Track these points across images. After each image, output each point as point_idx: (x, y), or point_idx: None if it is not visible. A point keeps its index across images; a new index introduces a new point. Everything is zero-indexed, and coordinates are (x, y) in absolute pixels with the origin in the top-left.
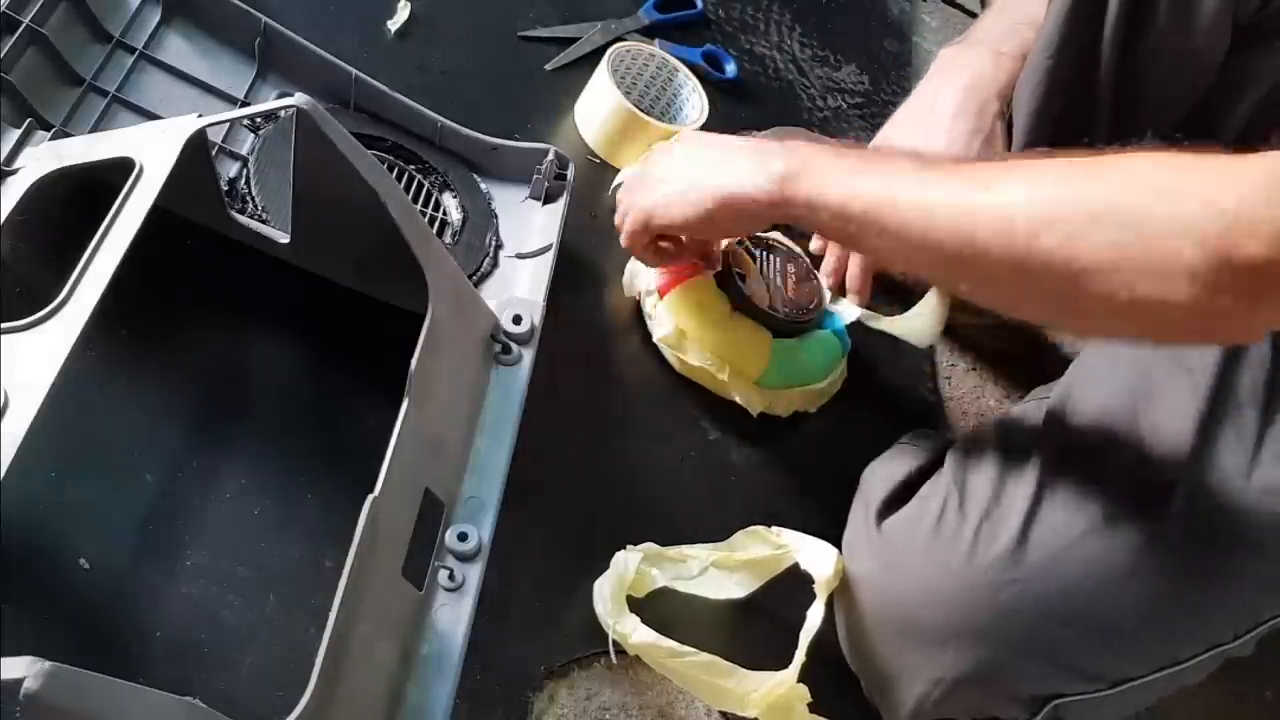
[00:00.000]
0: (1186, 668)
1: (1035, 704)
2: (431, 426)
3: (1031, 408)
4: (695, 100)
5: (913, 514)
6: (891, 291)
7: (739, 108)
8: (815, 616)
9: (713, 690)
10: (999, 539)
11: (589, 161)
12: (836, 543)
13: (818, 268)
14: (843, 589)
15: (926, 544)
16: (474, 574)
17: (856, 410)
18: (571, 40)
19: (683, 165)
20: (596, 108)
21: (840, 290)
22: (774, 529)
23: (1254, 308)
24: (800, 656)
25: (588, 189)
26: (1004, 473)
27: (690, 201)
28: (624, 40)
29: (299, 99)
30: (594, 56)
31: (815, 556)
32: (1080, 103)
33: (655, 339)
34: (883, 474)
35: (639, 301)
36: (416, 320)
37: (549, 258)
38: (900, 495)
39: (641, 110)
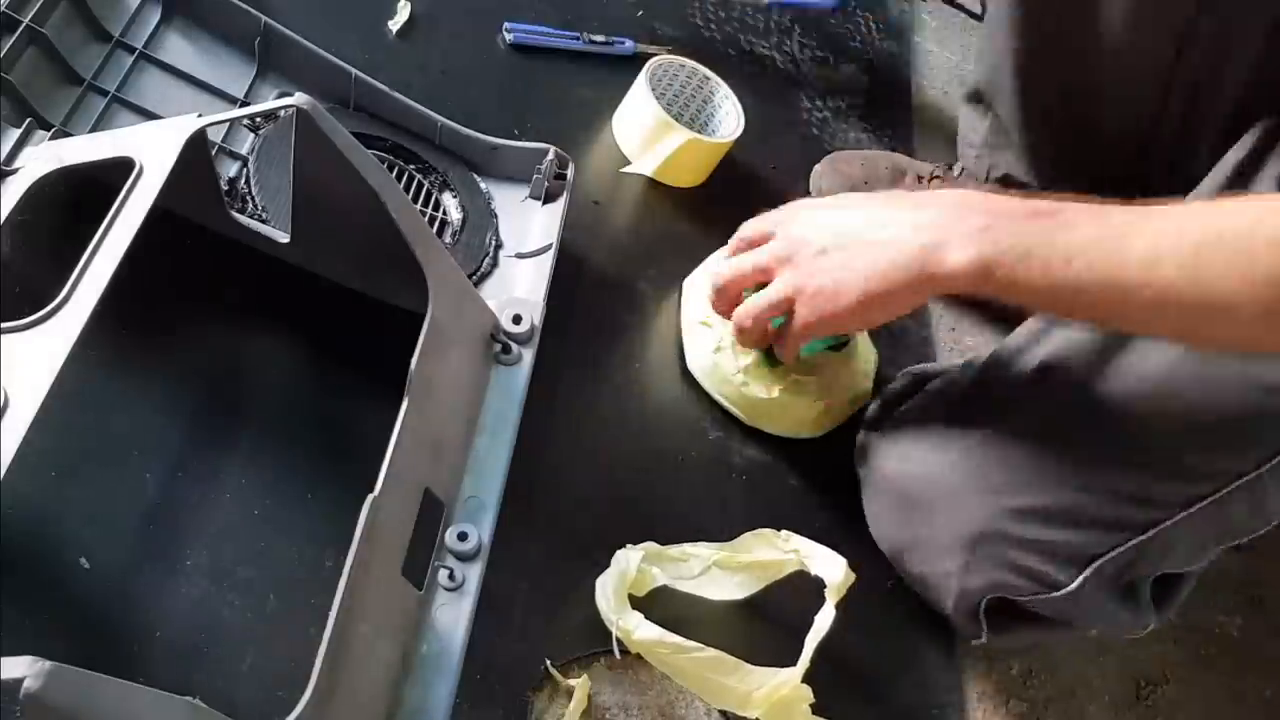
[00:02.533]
0: (1214, 501)
1: (1076, 563)
2: (431, 426)
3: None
4: (730, 110)
5: (918, 400)
6: None
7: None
8: (824, 620)
9: (715, 688)
10: (997, 408)
11: (619, 173)
12: (838, 545)
13: None
14: (870, 477)
15: (930, 414)
16: (474, 574)
17: (858, 411)
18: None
19: (848, 254)
20: (634, 117)
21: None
22: (782, 533)
23: None
24: (806, 658)
25: (611, 193)
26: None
27: (862, 303)
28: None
29: (299, 99)
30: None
31: (825, 564)
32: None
33: (705, 364)
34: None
35: (682, 323)
36: (416, 320)
37: (549, 257)
38: (908, 397)
39: (680, 122)
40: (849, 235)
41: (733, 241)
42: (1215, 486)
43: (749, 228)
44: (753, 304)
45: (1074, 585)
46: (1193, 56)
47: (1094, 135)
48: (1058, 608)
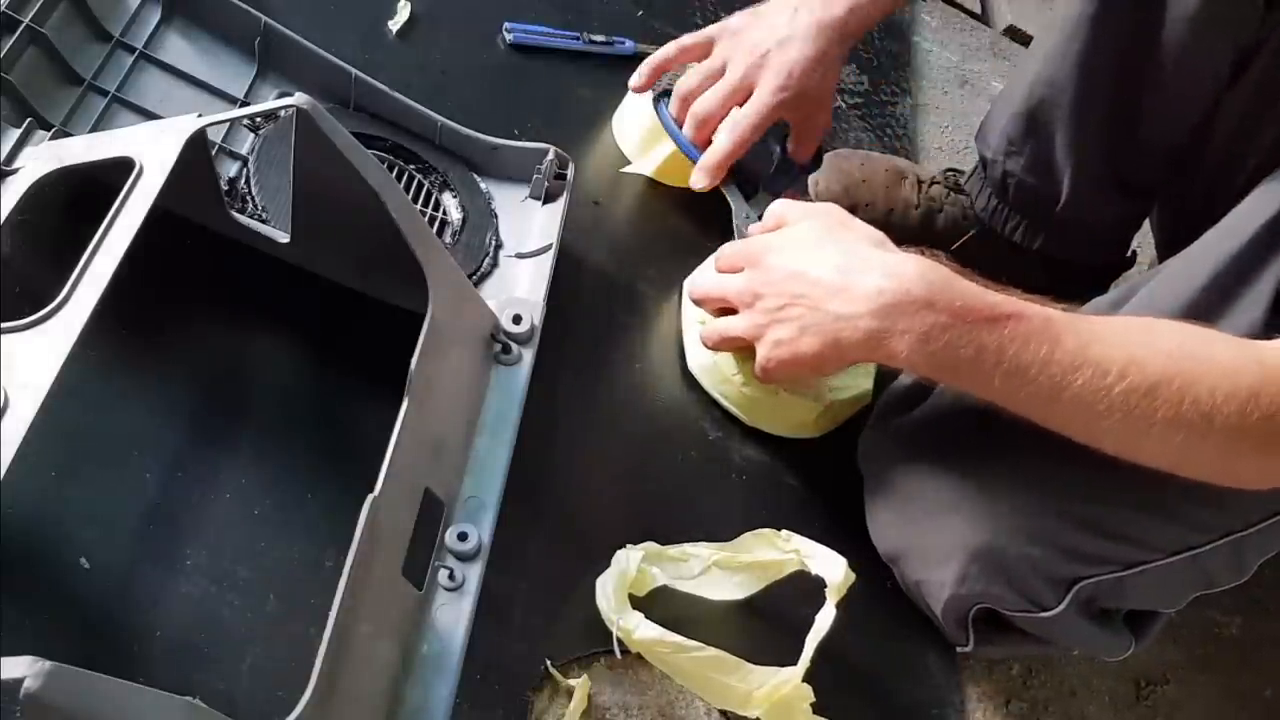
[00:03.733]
0: (1201, 552)
1: (1061, 585)
2: (431, 426)
3: None
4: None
5: (926, 407)
6: None
7: None
8: (824, 620)
9: (716, 688)
10: (1005, 429)
11: (619, 172)
12: (838, 545)
13: None
14: (874, 481)
15: (939, 425)
16: (474, 574)
17: (858, 413)
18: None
19: (821, 310)
20: (634, 118)
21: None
22: (783, 533)
23: None
24: (807, 657)
25: (611, 193)
26: None
27: (825, 357)
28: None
29: (299, 99)
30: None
31: (825, 564)
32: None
33: (705, 364)
34: (897, 383)
35: (682, 323)
36: (416, 320)
37: (549, 257)
38: (913, 399)
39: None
40: (809, 296)
41: (715, 259)
42: (1205, 539)
43: (724, 254)
44: (716, 332)
45: (1060, 608)
46: (1248, 80)
47: (1131, 143)
48: (1043, 628)
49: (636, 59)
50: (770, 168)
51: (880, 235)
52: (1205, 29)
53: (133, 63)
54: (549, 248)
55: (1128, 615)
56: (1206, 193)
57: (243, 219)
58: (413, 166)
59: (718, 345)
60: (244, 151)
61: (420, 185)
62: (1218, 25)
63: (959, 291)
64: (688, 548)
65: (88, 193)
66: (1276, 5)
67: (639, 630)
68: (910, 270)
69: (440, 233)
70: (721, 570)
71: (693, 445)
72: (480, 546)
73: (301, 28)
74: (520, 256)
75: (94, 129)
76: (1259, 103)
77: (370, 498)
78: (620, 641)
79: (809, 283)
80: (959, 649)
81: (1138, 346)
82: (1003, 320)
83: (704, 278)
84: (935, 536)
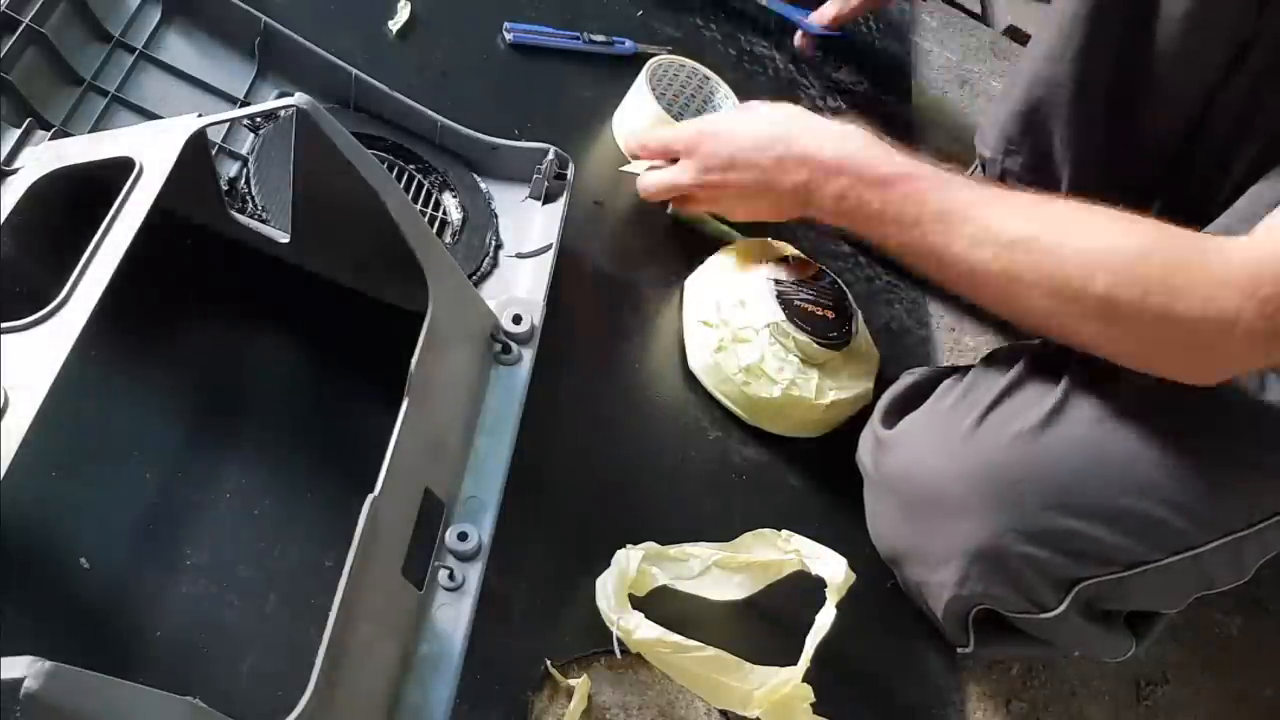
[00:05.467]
0: (1202, 552)
1: (1062, 586)
2: (431, 426)
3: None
4: (730, 110)
5: (926, 407)
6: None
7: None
8: (825, 620)
9: (716, 688)
10: (1007, 428)
11: (619, 172)
12: (838, 545)
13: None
14: (874, 481)
15: (940, 426)
16: (474, 574)
17: (858, 412)
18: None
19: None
20: (634, 117)
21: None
22: (783, 533)
23: None
24: (807, 657)
25: (611, 193)
26: (1021, 377)
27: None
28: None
29: (299, 99)
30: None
31: (825, 564)
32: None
33: (706, 364)
34: (897, 384)
35: (683, 323)
36: (416, 320)
37: (549, 257)
38: (913, 400)
39: (680, 122)
40: (743, 166)
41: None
42: (1205, 539)
43: (655, 139)
44: (656, 183)
45: (1060, 609)
46: (1243, 78)
47: (1128, 141)
48: (1044, 629)
49: (636, 59)
50: None
51: (799, 108)
52: (1199, 26)
53: (133, 63)
54: (549, 248)
55: (1129, 616)
56: (1201, 194)
57: (243, 219)
58: (413, 166)
59: (655, 194)
60: (244, 151)
61: (420, 185)
62: (1211, 22)
63: (869, 154)
64: (688, 548)
65: (88, 193)
66: (1268, 3)
67: (639, 630)
68: (831, 137)
69: (440, 233)
70: (721, 570)
71: (693, 445)
72: (480, 546)
73: (301, 28)
74: (520, 256)
75: (94, 129)
76: (1253, 100)
77: (370, 498)
78: (620, 641)
79: (742, 158)
80: (959, 650)
81: (1027, 204)
82: (900, 180)
83: (647, 174)
84: (936, 537)
